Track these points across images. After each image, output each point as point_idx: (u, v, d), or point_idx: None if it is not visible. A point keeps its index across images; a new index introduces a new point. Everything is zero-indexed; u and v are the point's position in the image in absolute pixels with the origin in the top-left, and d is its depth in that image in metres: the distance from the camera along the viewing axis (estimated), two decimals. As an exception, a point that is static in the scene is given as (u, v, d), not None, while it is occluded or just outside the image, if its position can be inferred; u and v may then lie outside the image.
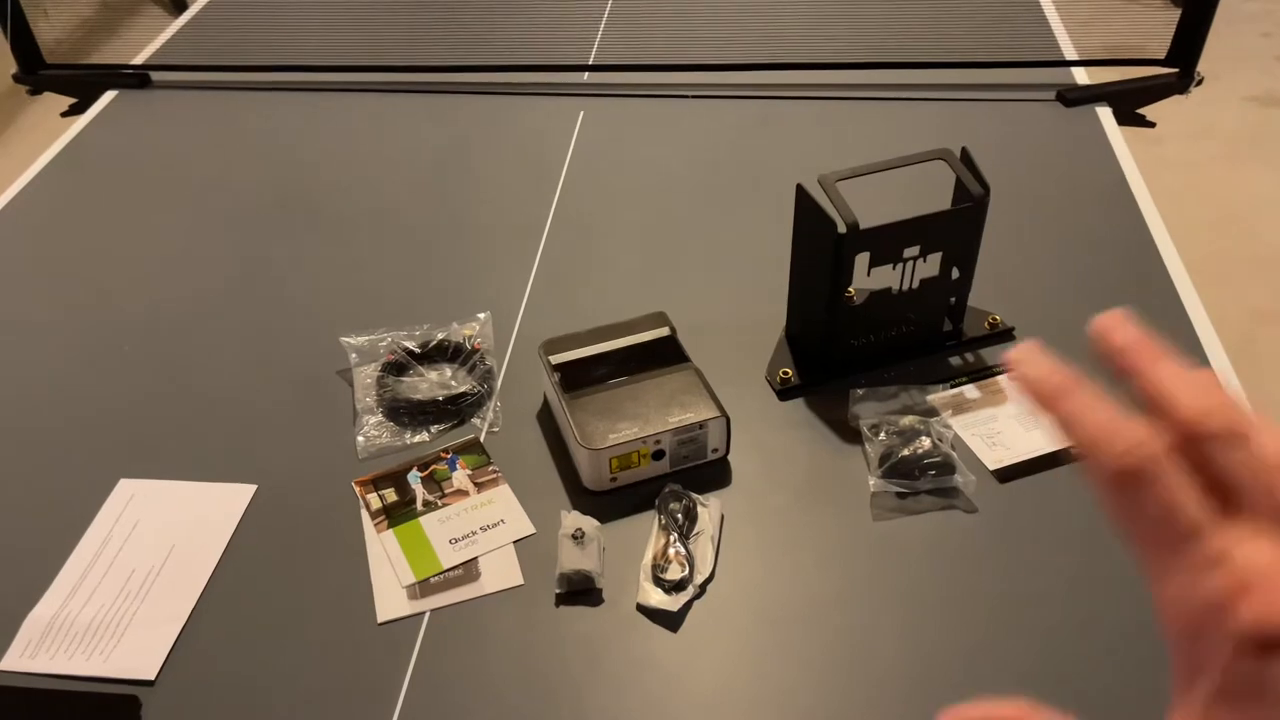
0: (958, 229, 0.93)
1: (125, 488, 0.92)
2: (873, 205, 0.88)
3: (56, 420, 0.99)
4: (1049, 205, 1.21)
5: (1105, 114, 1.37)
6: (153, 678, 0.76)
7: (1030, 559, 0.82)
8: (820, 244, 0.91)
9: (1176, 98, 1.45)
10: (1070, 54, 1.51)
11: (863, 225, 0.88)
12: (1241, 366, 1.00)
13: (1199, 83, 1.41)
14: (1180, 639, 0.26)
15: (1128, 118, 1.41)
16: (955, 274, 0.97)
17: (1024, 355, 0.29)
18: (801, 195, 0.91)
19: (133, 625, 0.80)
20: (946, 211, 0.91)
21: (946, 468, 0.87)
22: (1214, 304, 1.09)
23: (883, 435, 0.90)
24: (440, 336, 1.03)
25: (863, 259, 0.91)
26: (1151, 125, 1.45)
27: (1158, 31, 1.45)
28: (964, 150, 0.95)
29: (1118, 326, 0.30)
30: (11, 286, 1.17)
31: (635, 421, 0.87)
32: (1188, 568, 0.25)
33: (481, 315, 1.06)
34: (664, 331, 0.96)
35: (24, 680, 0.76)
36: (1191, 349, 1.01)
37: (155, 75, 1.58)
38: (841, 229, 0.88)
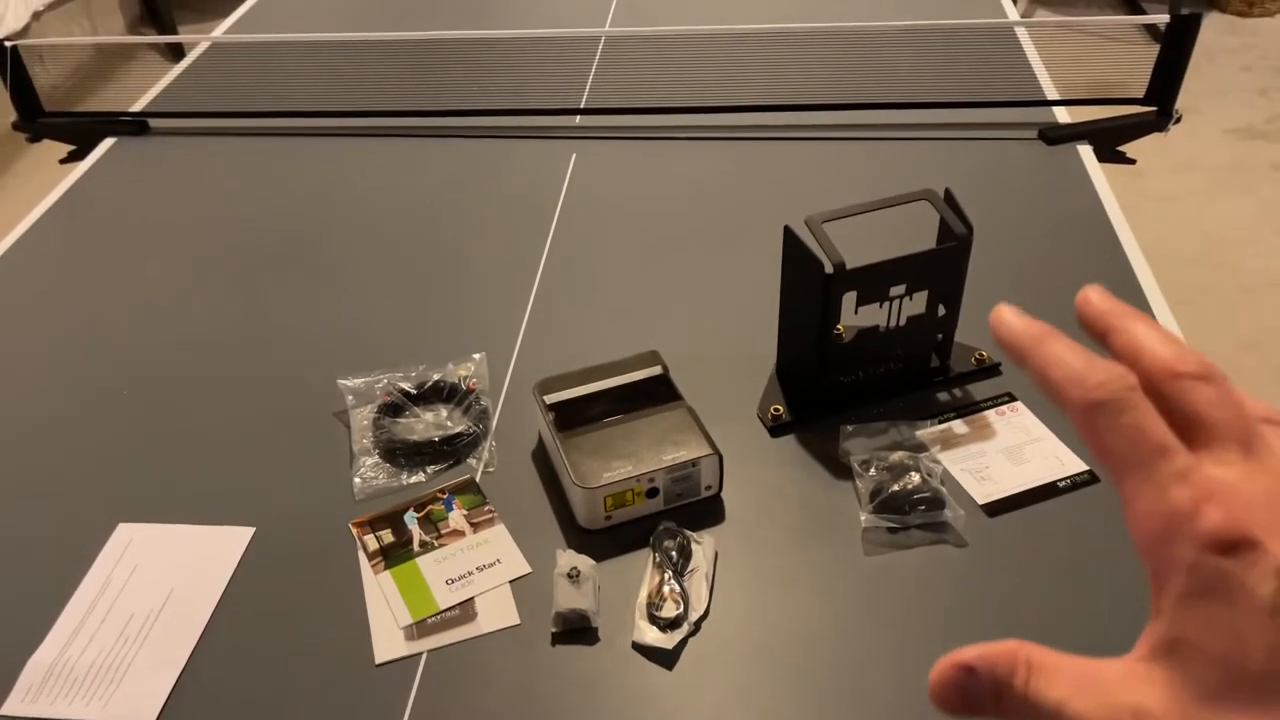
0: (943, 267, 0.95)
1: (124, 532, 0.92)
2: (859, 245, 0.90)
3: (55, 465, 1.00)
4: (1033, 242, 1.24)
5: (1086, 152, 1.40)
6: (152, 722, 0.76)
7: (1021, 592, 0.83)
8: (808, 283, 0.93)
9: (1159, 133, 1.48)
10: (1051, 93, 1.54)
11: (850, 265, 0.90)
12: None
13: (1177, 120, 1.44)
14: (1150, 548, 0.28)
15: (1108, 155, 1.44)
16: (941, 311, 0.99)
17: (999, 314, 0.32)
18: (789, 236, 0.93)
19: (132, 670, 0.80)
20: (931, 251, 0.93)
21: (936, 502, 0.88)
22: (1199, 335, 1.11)
23: (873, 471, 0.91)
24: (436, 377, 1.04)
25: (850, 297, 0.93)
26: (1132, 162, 1.47)
27: (1138, 70, 1.48)
28: (947, 191, 0.97)
29: (1097, 295, 0.32)
30: (11, 332, 1.18)
31: (629, 460, 0.89)
32: (1157, 483, 0.27)
33: (476, 356, 1.07)
34: (656, 370, 0.98)
35: (24, 726, 0.77)
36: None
37: (153, 122, 1.61)
38: (829, 269, 0.90)
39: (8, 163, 3.24)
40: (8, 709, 0.77)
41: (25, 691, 0.79)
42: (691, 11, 1.90)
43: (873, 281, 0.93)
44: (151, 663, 0.81)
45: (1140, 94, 1.44)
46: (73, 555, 0.90)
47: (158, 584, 0.87)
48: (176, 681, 0.79)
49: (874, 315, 0.96)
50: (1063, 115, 1.49)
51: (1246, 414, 0.29)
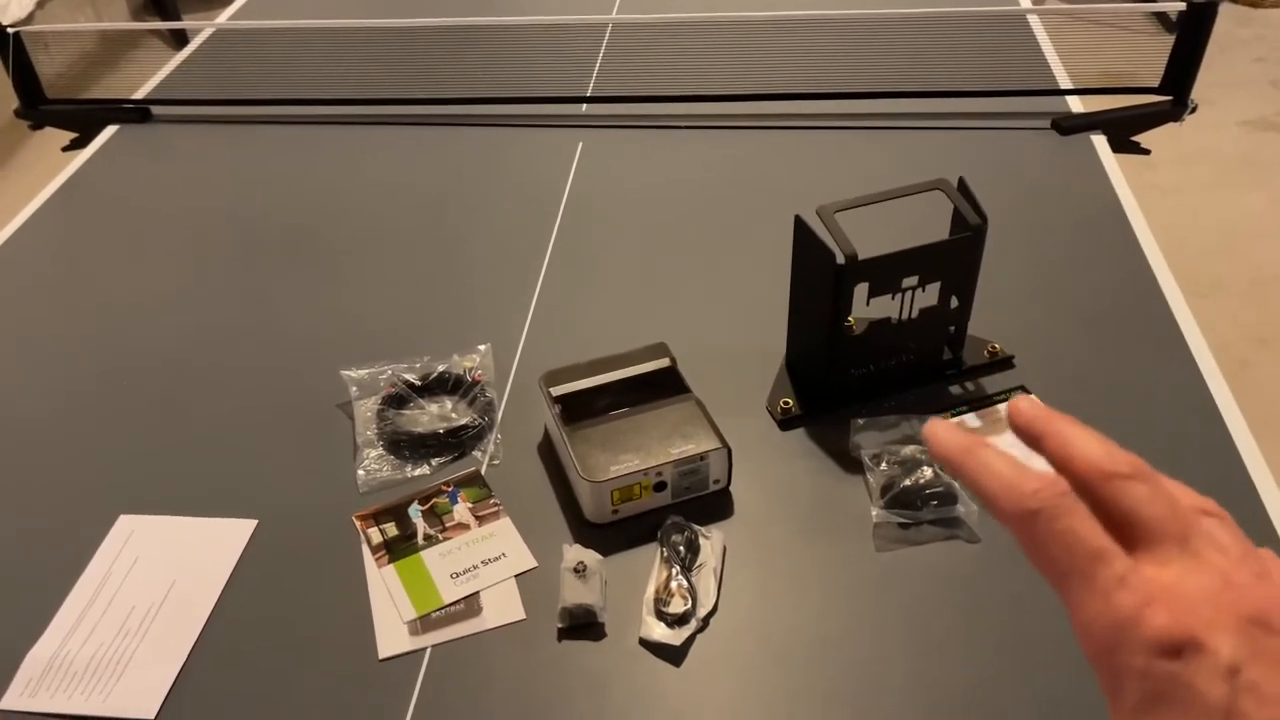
0: (956, 258, 0.94)
1: (125, 524, 0.91)
2: (871, 235, 0.89)
3: (55, 456, 0.99)
4: (1046, 233, 1.22)
5: (1100, 141, 1.38)
6: (152, 716, 0.75)
7: (1034, 589, 0.81)
8: (819, 274, 0.91)
9: (1172, 124, 1.46)
10: (1064, 83, 1.52)
11: (861, 256, 0.89)
12: (1239, 390, 1.00)
13: (1193, 110, 1.42)
14: (1099, 656, 0.28)
15: (1122, 145, 1.42)
16: (954, 303, 0.97)
17: (931, 427, 0.33)
18: (800, 227, 0.92)
19: (133, 663, 0.79)
20: (945, 241, 0.92)
21: (949, 497, 0.86)
22: (1211, 328, 1.09)
23: (884, 465, 0.89)
24: (441, 369, 1.03)
25: (862, 289, 0.92)
26: (1146, 152, 1.45)
27: (1152, 59, 1.46)
28: (961, 180, 0.95)
29: (1026, 403, 0.33)
30: (11, 321, 1.17)
31: (637, 453, 0.87)
32: (1099, 590, 0.28)
33: (482, 347, 1.06)
34: (665, 362, 0.96)
35: (23, 720, 0.76)
36: (1188, 373, 1.01)
37: (156, 109, 1.59)
38: (840, 260, 0.88)
39: (12, 151, 3.23)
40: (7, 703, 0.76)
41: (25, 685, 0.78)
42: (699, -1, 1.88)
43: (885, 273, 0.91)
44: (153, 656, 0.80)
45: (1155, 83, 1.42)
46: (73, 548, 0.89)
47: (159, 576, 0.86)
48: (178, 675, 0.78)
49: (885, 307, 0.94)
50: (1076, 105, 1.47)
51: (1181, 509, 0.29)
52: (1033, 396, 0.32)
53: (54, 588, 0.86)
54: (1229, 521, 0.30)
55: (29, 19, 3.53)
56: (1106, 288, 1.13)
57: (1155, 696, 0.26)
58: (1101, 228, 1.22)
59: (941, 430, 0.33)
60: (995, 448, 0.31)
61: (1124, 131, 1.42)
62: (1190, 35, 1.36)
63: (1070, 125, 1.40)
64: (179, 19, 4.16)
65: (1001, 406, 0.98)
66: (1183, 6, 1.35)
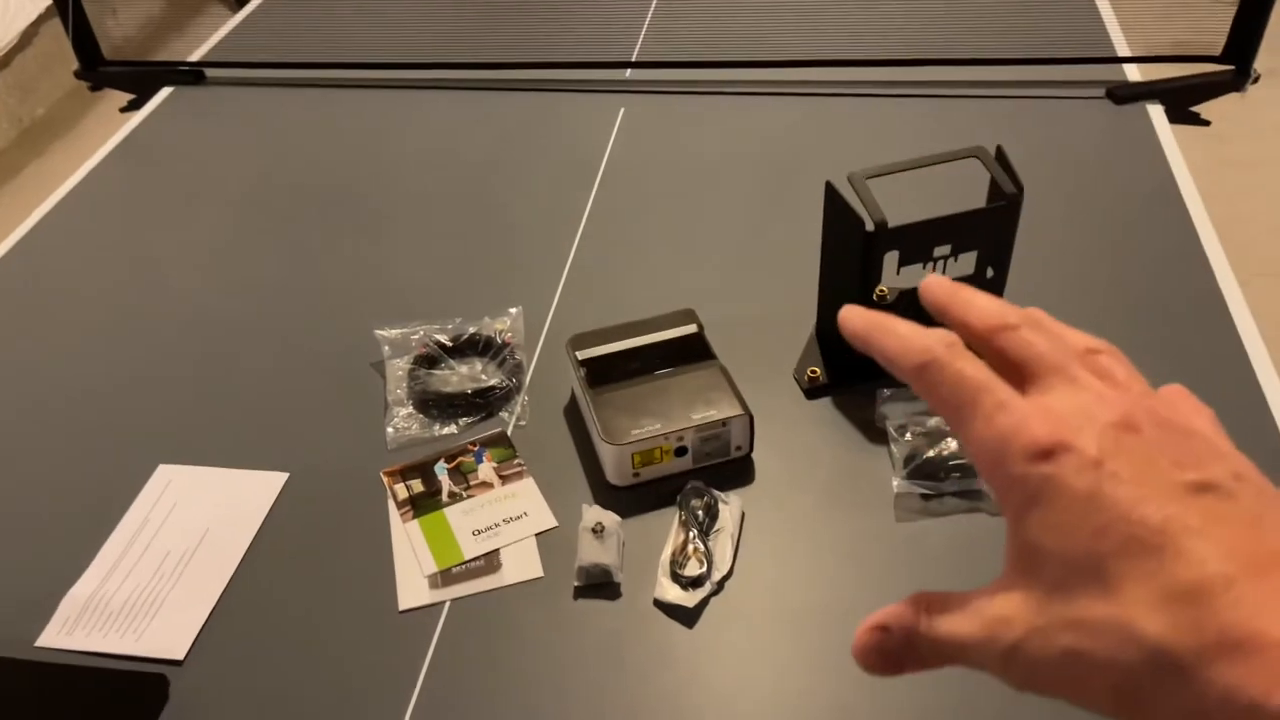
0: (990, 229, 0.92)
1: (164, 473, 0.94)
2: (908, 204, 0.87)
3: (100, 406, 1.02)
4: (1094, 207, 1.19)
5: (1157, 112, 1.34)
6: (181, 658, 0.78)
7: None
8: (849, 242, 0.90)
9: (1236, 95, 1.41)
10: (1121, 50, 1.47)
11: (893, 223, 0.88)
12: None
13: (1256, 80, 1.37)
14: (988, 473, 0.31)
15: (1181, 115, 1.37)
16: (990, 274, 0.96)
17: (847, 310, 0.35)
18: (830, 193, 0.91)
19: (165, 606, 0.82)
20: (977, 210, 0.90)
21: (971, 470, 0.85)
22: (1271, 314, 1.06)
23: (909, 436, 0.89)
24: (472, 330, 1.04)
25: (892, 258, 0.90)
26: (1206, 123, 1.41)
27: (1214, 27, 1.41)
28: (999, 149, 0.93)
29: (936, 282, 0.35)
30: (64, 276, 1.20)
31: (659, 418, 0.88)
32: (983, 416, 0.30)
33: (513, 310, 1.07)
34: (692, 328, 0.96)
35: (61, 657, 0.79)
36: (1238, 360, 0.98)
37: (210, 72, 1.62)
38: (869, 227, 0.87)
39: (84, 112, 3.31)
40: (44, 640, 0.80)
41: (62, 624, 0.81)
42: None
43: (916, 241, 0.90)
44: (184, 601, 0.83)
45: (1217, 52, 1.37)
46: (114, 495, 0.92)
47: (194, 524, 0.89)
48: (207, 620, 0.81)
49: (918, 277, 0.93)
50: (1133, 73, 1.42)
51: (1066, 345, 0.32)
52: (942, 276, 0.35)
53: (94, 532, 0.89)
54: (1119, 355, 0.33)
55: (98, -17, 3.60)
56: (1154, 265, 1.10)
57: (1033, 497, 0.29)
58: (1154, 203, 1.19)
59: (851, 312, 0.35)
60: (900, 319, 0.33)
61: (1183, 101, 1.37)
62: (1253, 2, 1.30)
63: (1126, 94, 1.36)
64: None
65: (1034, 380, 0.96)
66: (1248, -29, 1.30)
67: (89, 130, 3.26)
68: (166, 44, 3.83)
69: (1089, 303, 1.05)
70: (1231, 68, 1.37)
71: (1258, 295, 1.05)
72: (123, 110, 1.65)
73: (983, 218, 0.91)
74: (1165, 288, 1.07)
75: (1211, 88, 1.37)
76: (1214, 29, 1.39)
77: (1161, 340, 1.00)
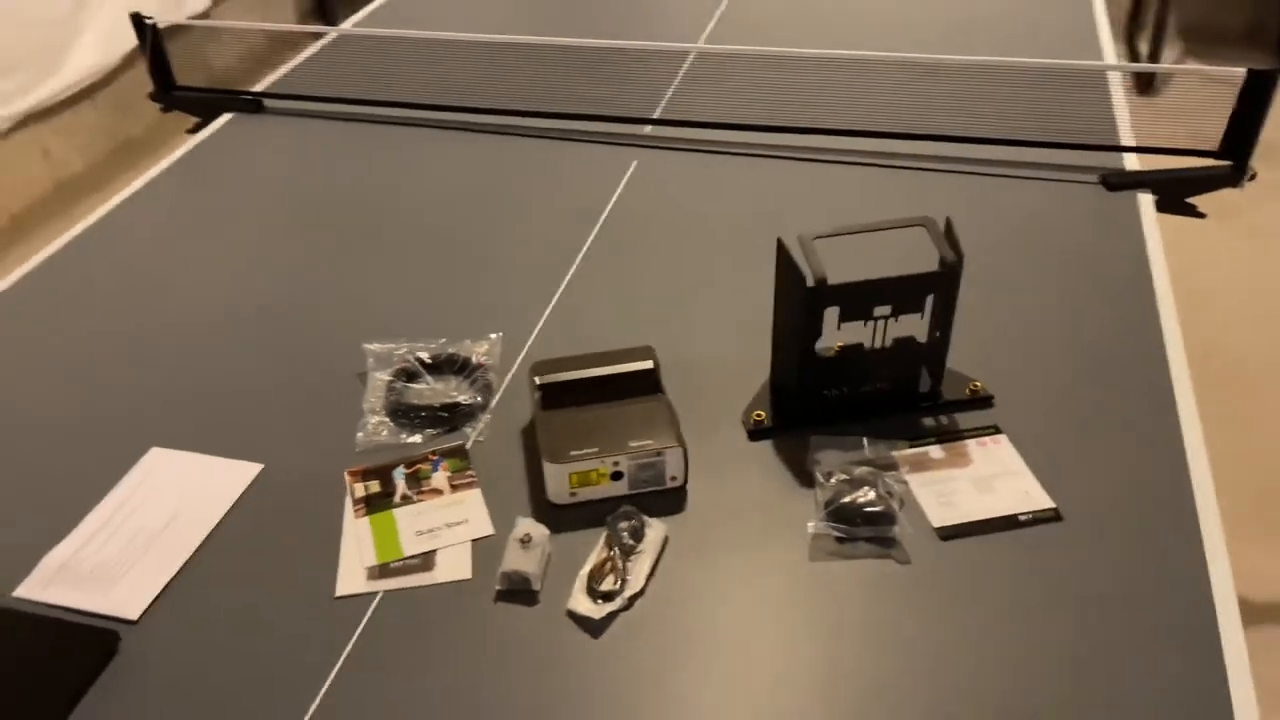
0: (928, 293, 0.97)
1: (154, 455, 1.03)
2: (863, 267, 0.93)
3: (108, 388, 1.12)
4: (1068, 286, 1.22)
5: (1146, 200, 1.37)
6: (135, 618, 0.86)
7: (958, 613, 0.84)
8: (794, 296, 0.96)
9: (1234, 190, 1.44)
10: (1123, 139, 1.51)
11: (835, 282, 0.93)
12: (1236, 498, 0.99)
13: (1252, 177, 1.39)
14: None
15: (1174, 206, 1.40)
16: (933, 336, 1.00)
17: None
18: (780, 249, 0.97)
19: (130, 573, 0.90)
20: (912, 275, 0.95)
21: (886, 518, 0.90)
22: (1212, 402, 1.07)
23: (834, 481, 0.93)
24: (452, 350, 1.12)
25: (833, 314, 0.96)
26: (1202, 216, 1.43)
27: (1214, 122, 1.44)
28: (948, 221, 0.98)
29: None
30: (102, 278, 1.32)
31: (599, 443, 0.94)
32: None
33: (493, 335, 1.15)
34: (647, 364, 1.02)
35: (32, 607, 0.87)
36: (1173, 457, 0.99)
37: (268, 102, 1.75)
38: (810, 282, 0.93)
39: (173, 134, 3.53)
40: (20, 592, 0.89)
41: (39, 579, 0.90)
42: (781, 35, 1.94)
43: (855, 299, 0.95)
44: (148, 569, 0.91)
45: (1213, 147, 1.40)
46: (107, 470, 1.01)
47: (170, 503, 0.98)
48: (164, 588, 0.89)
49: (861, 335, 0.98)
50: (1132, 162, 1.46)
51: None
52: None
53: (84, 502, 0.98)
54: None
55: (206, 14, 3.86)
56: (1113, 350, 1.12)
57: None
58: (1125, 286, 1.22)
59: None
60: None
61: (1177, 193, 1.40)
62: (1250, 102, 1.34)
63: (1119, 182, 1.40)
64: (337, 24, 4.46)
65: (969, 442, 1.00)
66: (1244, 72, 1.34)
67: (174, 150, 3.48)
68: (261, 76, 4.07)
69: (1038, 374, 1.08)
70: (1229, 164, 1.39)
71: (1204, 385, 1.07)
72: (189, 131, 1.79)
73: (919, 282, 0.96)
74: (1116, 373, 1.09)
75: (1206, 181, 1.40)
76: (1212, 129, 1.42)
77: (1102, 417, 1.03)
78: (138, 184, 1.55)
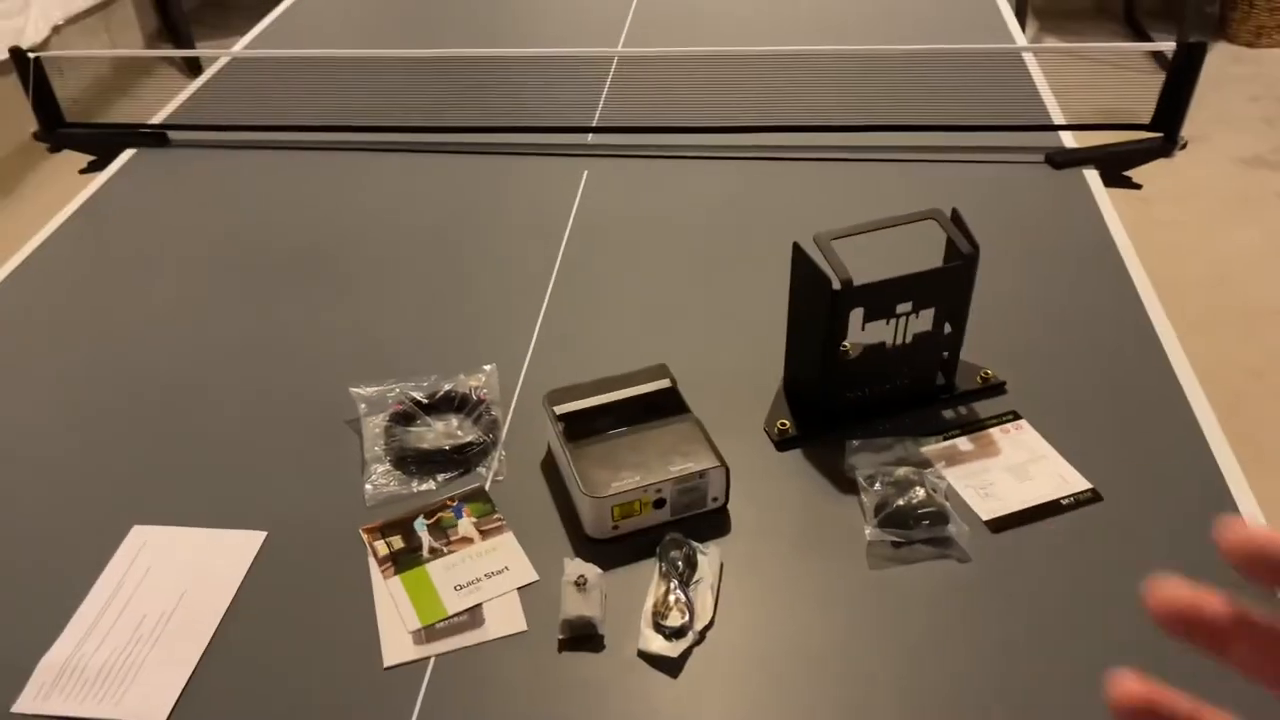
0: (948, 286, 0.97)
1: (138, 534, 0.94)
2: (866, 263, 0.92)
3: (72, 468, 1.01)
4: (1039, 263, 1.25)
5: (1093, 176, 1.42)
6: (163, 721, 0.77)
7: (1024, 607, 0.84)
8: (816, 300, 0.94)
9: (1164, 160, 1.50)
10: (1058, 118, 1.56)
11: (857, 282, 0.92)
12: (1231, 423, 1.02)
13: (1183, 147, 1.45)
14: None
15: (1115, 180, 1.45)
16: (947, 329, 1.00)
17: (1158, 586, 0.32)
18: (798, 253, 0.95)
19: (143, 670, 0.81)
20: (938, 269, 0.95)
21: (941, 518, 0.89)
22: (1205, 363, 1.12)
23: (878, 485, 0.92)
24: (447, 388, 1.05)
25: (857, 314, 0.94)
26: (1138, 187, 1.49)
27: (1144, 96, 1.50)
28: (954, 211, 0.98)
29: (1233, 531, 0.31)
30: (30, 337, 1.20)
31: (637, 471, 0.90)
32: None
33: (487, 367, 1.09)
34: (665, 383, 0.99)
35: (36, 723, 0.78)
36: (1179, 406, 1.03)
37: (173, 134, 1.63)
38: (836, 285, 0.91)
39: (26, 172, 3.27)
40: (20, 706, 0.78)
41: (38, 689, 0.80)
42: (703, 33, 1.93)
43: (880, 299, 0.94)
44: (163, 663, 0.82)
45: (1147, 120, 1.46)
46: (88, 557, 0.91)
47: (171, 585, 0.89)
48: (188, 681, 0.80)
49: (880, 332, 0.97)
50: (1069, 140, 1.50)
51: None
52: (1237, 521, 0.30)
53: (69, 595, 0.88)
54: None
55: (45, 44, 3.59)
56: (1098, 318, 1.16)
57: None
58: (1093, 259, 1.25)
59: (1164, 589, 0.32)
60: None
61: (1116, 166, 1.45)
62: (1181, 74, 1.39)
63: (1063, 160, 1.44)
64: (192, 47, 4.23)
65: (993, 430, 1.00)
66: (1174, 45, 1.39)
67: (34, 191, 3.23)
68: (115, 106, 3.82)
69: (1038, 354, 1.10)
70: (1160, 135, 1.45)
71: (1186, 348, 1.11)
72: (82, 172, 1.65)
73: (942, 275, 0.95)
74: (1109, 337, 1.12)
75: (1142, 154, 1.45)
76: (1144, 98, 1.47)
77: (1109, 386, 1.05)
78: (40, 236, 1.41)
